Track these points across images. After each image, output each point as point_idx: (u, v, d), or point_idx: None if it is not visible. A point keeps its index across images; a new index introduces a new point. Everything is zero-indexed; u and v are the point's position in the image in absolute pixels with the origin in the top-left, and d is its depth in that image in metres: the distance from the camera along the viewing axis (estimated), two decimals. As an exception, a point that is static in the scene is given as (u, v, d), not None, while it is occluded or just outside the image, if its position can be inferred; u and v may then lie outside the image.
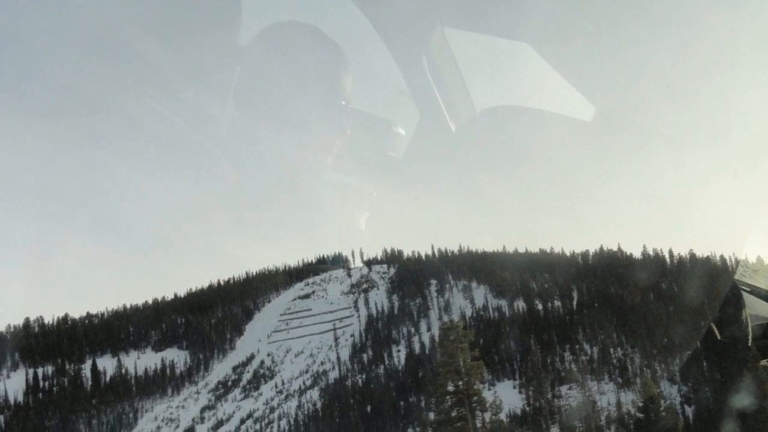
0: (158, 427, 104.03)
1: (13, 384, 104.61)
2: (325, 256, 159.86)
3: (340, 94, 7.84)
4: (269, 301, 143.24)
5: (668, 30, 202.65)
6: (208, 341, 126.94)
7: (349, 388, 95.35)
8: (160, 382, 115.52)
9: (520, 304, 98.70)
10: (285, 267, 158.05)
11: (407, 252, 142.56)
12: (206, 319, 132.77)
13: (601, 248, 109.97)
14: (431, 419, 33.97)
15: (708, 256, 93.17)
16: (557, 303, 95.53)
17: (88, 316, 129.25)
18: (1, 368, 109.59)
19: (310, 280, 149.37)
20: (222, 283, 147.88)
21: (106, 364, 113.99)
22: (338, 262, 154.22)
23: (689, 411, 60.97)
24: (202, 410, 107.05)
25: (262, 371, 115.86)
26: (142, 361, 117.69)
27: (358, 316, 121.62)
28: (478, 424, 30.47)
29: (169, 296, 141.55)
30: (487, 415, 31.25)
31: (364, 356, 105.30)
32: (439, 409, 30.82)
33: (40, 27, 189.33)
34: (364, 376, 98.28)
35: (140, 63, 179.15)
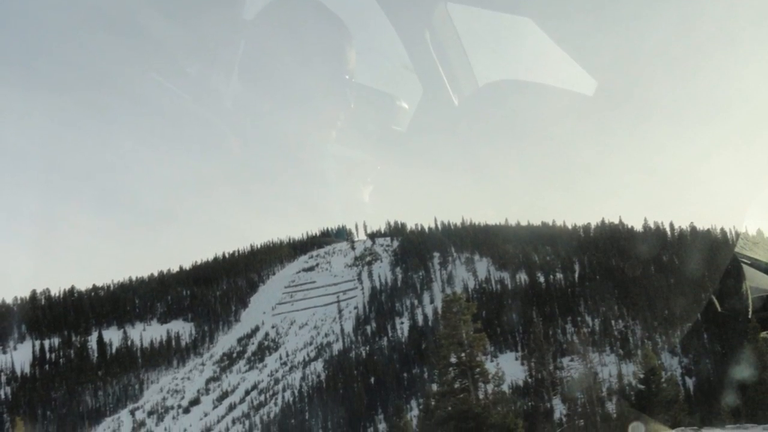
0: (163, 399, 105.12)
1: (20, 356, 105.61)
2: (329, 229, 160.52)
3: (343, 68, 7.86)
4: (274, 274, 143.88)
5: (669, 5, 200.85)
6: (213, 313, 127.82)
7: (353, 360, 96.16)
8: (166, 354, 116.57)
9: (522, 277, 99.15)
10: (289, 240, 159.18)
11: (410, 225, 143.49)
12: (211, 291, 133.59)
13: (603, 221, 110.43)
14: (434, 390, 34.20)
15: (708, 229, 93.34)
16: (559, 275, 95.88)
17: (94, 288, 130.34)
18: (8, 340, 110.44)
19: (314, 253, 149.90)
20: (227, 255, 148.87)
21: (112, 336, 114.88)
22: (342, 234, 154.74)
23: (690, 382, 61.43)
24: (207, 382, 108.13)
25: (266, 343, 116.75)
26: (147, 333, 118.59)
27: (362, 289, 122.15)
28: (481, 396, 30.70)
29: (175, 269, 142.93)
30: (490, 387, 31.42)
31: (368, 328, 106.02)
32: (441, 381, 30.99)
33: (47, 3, 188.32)
34: (367, 348, 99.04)
35: (146, 38, 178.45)
